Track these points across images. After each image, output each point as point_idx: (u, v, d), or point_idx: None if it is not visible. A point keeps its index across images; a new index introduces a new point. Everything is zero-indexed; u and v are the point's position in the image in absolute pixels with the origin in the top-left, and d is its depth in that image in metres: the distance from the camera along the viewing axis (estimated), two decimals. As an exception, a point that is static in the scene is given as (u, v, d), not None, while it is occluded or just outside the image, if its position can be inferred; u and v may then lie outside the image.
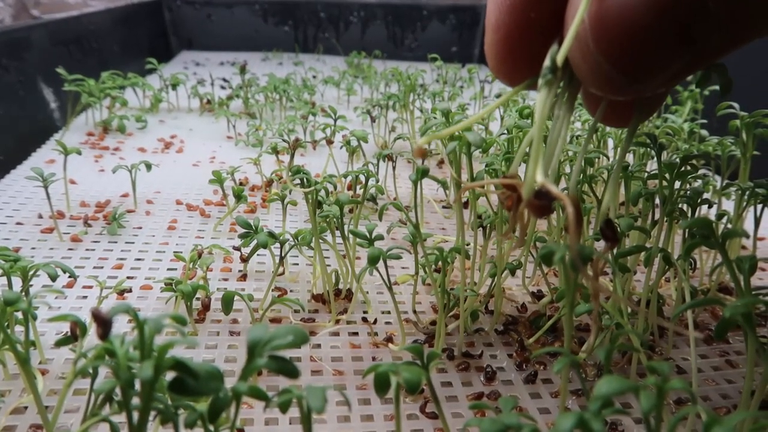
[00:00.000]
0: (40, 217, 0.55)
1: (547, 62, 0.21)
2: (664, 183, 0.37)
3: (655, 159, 0.38)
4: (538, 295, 0.46)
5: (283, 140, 0.65)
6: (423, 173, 0.42)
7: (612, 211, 0.33)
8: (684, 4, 0.19)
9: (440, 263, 0.38)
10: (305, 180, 0.42)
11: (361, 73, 1.28)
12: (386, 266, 0.39)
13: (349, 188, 0.64)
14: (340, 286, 0.45)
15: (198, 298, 0.42)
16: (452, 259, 0.38)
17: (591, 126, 0.29)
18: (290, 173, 0.43)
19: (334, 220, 0.43)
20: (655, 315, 0.40)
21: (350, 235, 0.43)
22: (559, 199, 0.19)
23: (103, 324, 0.19)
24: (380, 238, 0.40)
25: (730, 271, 0.26)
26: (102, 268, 0.47)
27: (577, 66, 0.22)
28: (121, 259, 0.48)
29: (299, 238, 0.43)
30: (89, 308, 0.40)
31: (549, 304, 0.44)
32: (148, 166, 0.59)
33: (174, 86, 0.99)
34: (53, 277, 0.35)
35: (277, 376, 0.35)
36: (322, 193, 0.43)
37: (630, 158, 0.59)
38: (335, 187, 0.56)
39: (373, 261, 0.37)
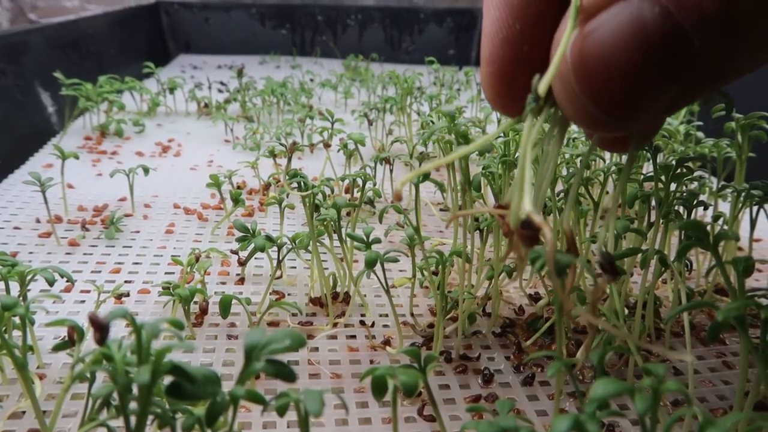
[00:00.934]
0: (38, 221, 0.55)
1: (530, 96, 0.21)
2: (660, 185, 0.38)
3: (651, 161, 0.38)
4: (535, 298, 0.46)
5: (281, 144, 0.65)
6: (424, 176, 0.42)
7: (611, 243, 0.33)
8: (669, 42, 0.19)
9: (438, 266, 0.38)
10: (302, 183, 0.42)
11: (358, 76, 1.28)
12: (384, 269, 0.39)
13: (346, 191, 0.64)
14: (338, 289, 0.45)
15: (196, 302, 0.42)
16: (451, 262, 0.39)
17: (587, 152, 0.29)
18: (287, 177, 0.43)
19: (332, 223, 0.43)
20: (651, 317, 0.40)
21: (348, 239, 0.43)
22: (542, 231, 0.19)
23: (101, 329, 0.19)
24: (378, 241, 0.40)
25: (722, 273, 0.26)
26: (100, 272, 0.47)
27: (562, 106, 0.21)
28: (119, 263, 0.48)
29: (297, 242, 0.43)
30: (87, 313, 0.40)
31: (546, 306, 0.44)
32: (146, 170, 0.59)
33: (171, 90, 0.99)
34: (51, 282, 0.35)
35: (275, 379, 0.35)
36: (320, 196, 0.43)
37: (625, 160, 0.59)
38: (332, 191, 0.56)
39: (370, 264, 0.37)
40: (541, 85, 0.20)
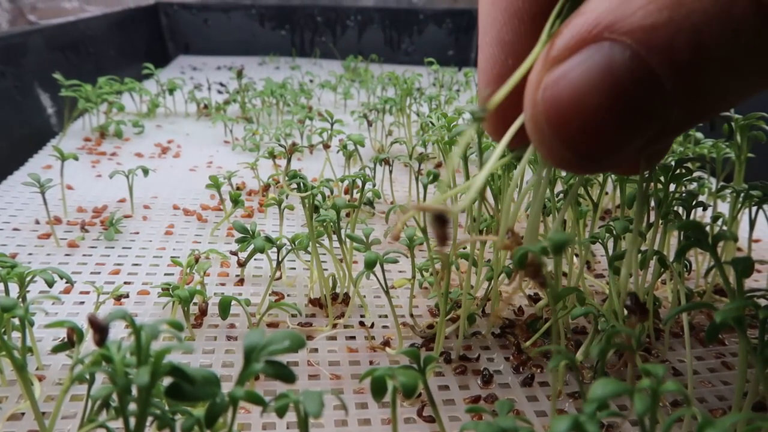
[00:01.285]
0: (37, 222, 0.55)
1: (479, 107, 0.21)
2: (659, 186, 0.38)
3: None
4: (534, 299, 0.46)
5: (280, 145, 0.65)
6: (434, 177, 0.42)
7: (637, 288, 0.33)
8: (640, 86, 0.19)
9: (439, 267, 0.38)
10: (302, 184, 0.42)
11: (357, 77, 1.28)
12: (383, 270, 0.39)
13: (346, 192, 0.64)
14: (338, 290, 0.45)
15: (195, 303, 0.42)
16: (456, 263, 0.38)
17: (575, 186, 0.29)
18: (287, 178, 0.43)
19: (331, 224, 0.43)
20: (650, 318, 0.40)
21: (347, 240, 0.43)
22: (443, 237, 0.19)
23: (100, 330, 0.19)
24: (377, 242, 0.40)
25: (720, 273, 0.26)
26: (99, 273, 0.47)
27: (536, 148, 0.22)
28: (118, 264, 0.48)
29: (296, 243, 0.43)
30: (86, 314, 0.40)
31: (545, 307, 0.44)
32: (145, 171, 0.59)
33: (171, 91, 0.99)
34: (50, 283, 0.35)
35: (275, 380, 0.35)
36: (319, 197, 0.43)
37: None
38: (332, 192, 0.56)
39: (370, 265, 0.37)
40: (492, 101, 0.21)
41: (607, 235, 0.39)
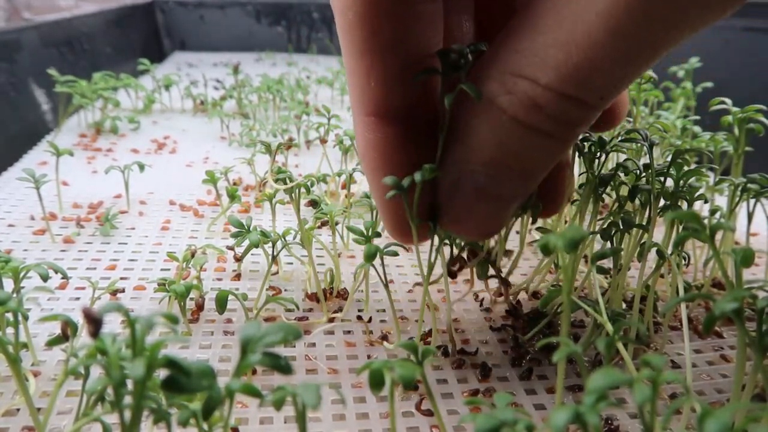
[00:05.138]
0: (32, 218, 0.54)
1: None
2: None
3: (648, 155, 0.38)
4: (533, 293, 0.46)
5: (264, 146, 0.65)
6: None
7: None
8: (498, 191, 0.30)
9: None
10: (287, 179, 0.42)
11: (354, 73, 1.28)
12: (383, 264, 0.39)
13: (342, 187, 0.64)
14: (334, 284, 0.45)
15: (192, 298, 0.41)
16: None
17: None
18: (273, 173, 0.43)
19: (327, 216, 0.42)
20: (650, 311, 0.40)
21: (345, 234, 0.42)
22: None
23: (94, 322, 0.19)
24: (377, 235, 0.40)
25: (718, 264, 0.26)
26: (95, 269, 0.46)
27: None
28: (114, 259, 0.48)
29: (287, 238, 0.43)
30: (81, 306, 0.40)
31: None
32: (141, 167, 0.59)
33: (167, 87, 0.98)
34: (44, 278, 0.34)
35: (273, 375, 0.35)
36: (317, 192, 0.42)
37: (622, 157, 0.59)
38: (327, 185, 0.56)
39: (370, 258, 0.37)
40: None
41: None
